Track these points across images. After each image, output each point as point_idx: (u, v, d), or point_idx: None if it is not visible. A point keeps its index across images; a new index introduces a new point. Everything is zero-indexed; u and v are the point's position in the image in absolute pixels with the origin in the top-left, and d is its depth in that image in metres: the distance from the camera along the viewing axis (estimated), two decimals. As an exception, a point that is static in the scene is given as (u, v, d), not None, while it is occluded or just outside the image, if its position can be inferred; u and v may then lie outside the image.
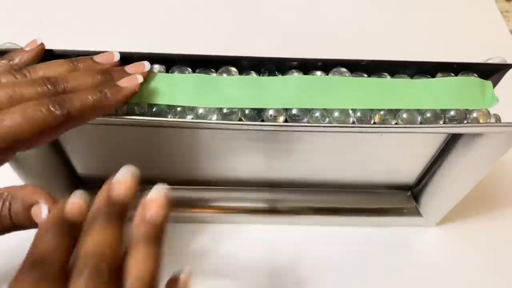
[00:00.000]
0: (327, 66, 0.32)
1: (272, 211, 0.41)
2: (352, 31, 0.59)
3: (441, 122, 0.30)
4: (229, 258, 0.40)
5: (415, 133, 0.30)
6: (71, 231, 0.21)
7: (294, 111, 0.30)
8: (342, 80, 0.30)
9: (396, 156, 0.37)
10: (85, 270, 0.19)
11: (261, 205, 0.42)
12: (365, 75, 0.32)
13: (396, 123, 0.30)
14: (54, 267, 0.20)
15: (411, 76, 0.32)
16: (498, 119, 0.31)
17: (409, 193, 0.43)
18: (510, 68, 0.32)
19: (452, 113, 0.30)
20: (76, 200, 0.22)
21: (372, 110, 0.30)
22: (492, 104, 0.30)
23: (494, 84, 0.33)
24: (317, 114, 0.30)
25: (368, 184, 0.42)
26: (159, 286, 0.21)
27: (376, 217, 0.42)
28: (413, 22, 0.61)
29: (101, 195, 0.22)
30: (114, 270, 0.20)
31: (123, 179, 0.22)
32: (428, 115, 0.30)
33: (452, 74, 0.31)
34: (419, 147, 0.36)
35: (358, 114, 0.30)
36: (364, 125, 0.29)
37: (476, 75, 0.31)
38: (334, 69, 0.31)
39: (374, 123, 0.30)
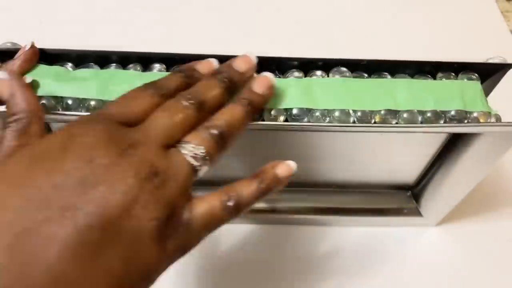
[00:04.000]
0: (327, 65, 0.32)
1: (272, 210, 0.41)
2: (352, 31, 0.59)
3: (442, 121, 0.30)
4: (229, 258, 0.40)
5: (416, 133, 0.30)
6: (194, 77, 0.27)
7: (294, 111, 0.30)
8: (342, 81, 0.30)
9: (396, 156, 0.37)
10: (187, 96, 0.24)
11: (260, 205, 0.42)
12: (365, 75, 0.32)
13: (396, 123, 0.30)
14: (167, 90, 0.25)
15: (412, 76, 0.32)
16: (498, 118, 0.31)
17: (409, 193, 0.42)
18: (510, 68, 0.32)
19: (452, 112, 0.30)
20: (210, 61, 0.28)
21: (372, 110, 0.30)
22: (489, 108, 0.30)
23: (495, 84, 0.33)
24: (318, 113, 0.30)
25: (368, 184, 0.42)
26: (232, 143, 0.25)
27: (376, 217, 0.42)
28: (413, 22, 0.61)
29: (225, 64, 0.27)
30: (209, 107, 0.25)
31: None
32: (429, 114, 0.30)
33: (453, 74, 0.31)
34: (419, 147, 0.36)
35: (359, 113, 0.30)
36: (364, 125, 0.29)
37: (476, 75, 0.31)
38: (335, 69, 0.31)
39: (375, 122, 0.30)
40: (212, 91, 0.25)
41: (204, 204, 0.23)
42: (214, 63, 0.28)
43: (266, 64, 0.31)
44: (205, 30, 0.58)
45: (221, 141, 0.24)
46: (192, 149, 0.23)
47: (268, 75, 0.28)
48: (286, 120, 0.30)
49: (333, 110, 0.30)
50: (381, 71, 0.32)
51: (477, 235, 0.42)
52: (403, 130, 0.29)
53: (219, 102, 0.26)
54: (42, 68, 0.30)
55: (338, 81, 0.30)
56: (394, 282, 0.39)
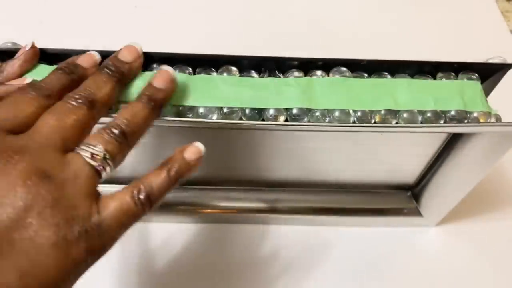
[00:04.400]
0: (327, 65, 0.32)
1: (272, 210, 0.41)
2: (353, 31, 0.59)
3: (442, 121, 0.30)
4: (229, 258, 0.40)
5: (416, 133, 0.30)
6: (76, 73, 0.26)
7: (294, 111, 0.30)
8: (342, 81, 0.30)
9: (396, 156, 0.37)
10: (75, 96, 0.24)
11: (261, 205, 0.42)
12: (366, 75, 0.32)
13: (396, 123, 0.30)
14: (50, 90, 0.24)
15: (412, 76, 0.32)
16: (498, 118, 0.31)
17: (409, 193, 0.42)
18: (510, 68, 0.32)
19: (452, 112, 0.30)
20: (91, 54, 0.27)
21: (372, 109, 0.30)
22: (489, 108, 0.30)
23: (495, 84, 0.33)
24: (318, 113, 0.30)
25: (368, 184, 0.42)
26: (136, 140, 0.25)
27: (376, 217, 0.42)
28: (413, 22, 0.61)
29: (110, 57, 0.27)
30: (102, 104, 0.25)
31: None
32: (429, 114, 0.30)
33: (453, 74, 0.31)
34: (419, 147, 0.36)
35: (359, 113, 0.30)
36: (364, 125, 0.29)
37: (476, 75, 0.31)
38: (335, 69, 0.31)
39: (375, 122, 0.30)
40: (102, 87, 0.25)
41: (115, 201, 0.23)
42: (96, 56, 0.28)
43: (266, 63, 0.32)
44: (206, 30, 0.58)
45: (123, 140, 0.24)
46: (90, 149, 0.22)
47: (167, 68, 0.27)
48: (286, 120, 0.30)
49: (333, 110, 0.30)
50: (381, 71, 0.32)
51: (477, 235, 0.42)
52: (403, 130, 0.29)
53: (111, 96, 0.25)
54: (43, 68, 0.30)
55: (338, 81, 0.30)
56: (394, 283, 0.39)
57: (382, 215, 0.42)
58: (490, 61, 0.32)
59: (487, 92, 0.33)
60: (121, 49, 0.27)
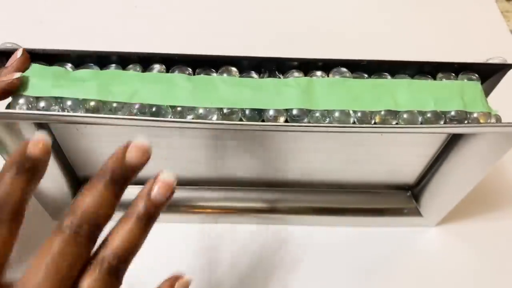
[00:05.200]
0: (327, 66, 0.32)
1: (272, 210, 0.41)
2: (352, 31, 0.59)
3: (442, 122, 0.30)
4: (229, 258, 0.40)
5: (416, 133, 0.30)
6: (32, 170, 0.21)
7: (294, 112, 0.30)
8: (342, 81, 0.30)
9: (396, 156, 0.37)
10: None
11: (261, 205, 0.42)
12: (366, 75, 0.32)
13: (396, 123, 0.30)
14: (10, 208, 0.20)
15: (412, 76, 0.32)
16: (498, 119, 0.31)
17: (409, 193, 0.42)
18: (510, 68, 0.32)
19: (452, 113, 0.30)
20: (39, 138, 0.21)
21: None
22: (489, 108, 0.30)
23: (495, 84, 0.33)
24: (318, 114, 0.30)
25: (368, 184, 0.42)
26: (129, 263, 0.22)
27: (376, 217, 0.42)
28: (413, 22, 0.61)
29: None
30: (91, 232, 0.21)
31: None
32: (429, 115, 0.30)
33: (453, 74, 0.31)
34: (419, 147, 0.36)
35: (359, 114, 0.30)
36: (364, 126, 0.29)
37: (476, 75, 0.31)
38: (335, 69, 0.31)
39: (375, 123, 0.30)
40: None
41: None
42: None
43: (266, 64, 0.32)
44: (205, 30, 0.58)
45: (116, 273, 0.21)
46: None
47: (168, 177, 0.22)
48: (286, 121, 0.30)
49: (333, 111, 0.30)
50: (381, 72, 0.32)
51: (477, 235, 0.42)
52: (403, 131, 0.29)
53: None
54: (42, 69, 0.30)
55: (338, 81, 0.30)
56: (394, 283, 0.39)
57: (382, 215, 0.42)
58: (490, 61, 0.32)
59: (487, 92, 0.33)
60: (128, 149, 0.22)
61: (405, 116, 0.30)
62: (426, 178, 0.39)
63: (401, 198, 0.42)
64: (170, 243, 0.40)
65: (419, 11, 0.63)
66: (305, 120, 0.30)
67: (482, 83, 0.32)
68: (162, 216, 0.39)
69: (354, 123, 0.30)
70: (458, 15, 0.62)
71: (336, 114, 0.30)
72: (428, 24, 0.61)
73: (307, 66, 0.32)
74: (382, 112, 0.30)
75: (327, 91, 0.30)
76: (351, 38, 0.58)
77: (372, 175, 0.40)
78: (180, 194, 0.41)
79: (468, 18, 0.61)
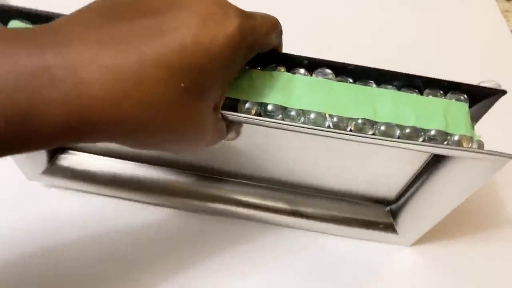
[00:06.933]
0: (312, 65, 0.30)
1: (238, 203, 0.40)
2: (352, 29, 0.58)
3: (420, 139, 0.29)
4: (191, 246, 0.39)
5: (392, 148, 0.29)
6: None
7: (269, 107, 0.29)
8: (323, 82, 0.29)
9: (376, 168, 0.36)
10: None
11: (228, 196, 0.41)
12: (350, 80, 0.31)
13: (373, 134, 0.29)
14: None
15: (399, 88, 0.31)
16: (481, 145, 0.29)
17: (388, 208, 0.41)
18: (503, 94, 0.30)
19: (433, 132, 0.29)
20: None
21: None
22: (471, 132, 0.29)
23: (485, 109, 0.31)
24: (293, 112, 0.29)
25: (347, 193, 0.41)
26: None
27: (350, 227, 0.40)
28: (413, 22, 0.60)
29: None
30: None
31: None
32: (408, 130, 0.29)
33: (441, 92, 0.30)
34: (399, 162, 0.34)
35: (335, 119, 0.29)
36: (336, 131, 0.28)
37: (465, 96, 0.30)
38: (319, 70, 0.30)
39: (350, 130, 0.29)
40: None
41: None
42: None
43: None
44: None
45: None
46: None
47: None
48: (259, 115, 0.29)
49: (309, 112, 0.29)
50: (368, 79, 0.31)
51: (452, 260, 0.41)
52: (376, 143, 0.28)
53: None
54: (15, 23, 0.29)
55: (319, 82, 0.29)
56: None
57: (357, 226, 0.40)
58: (483, 84, 0.30)
59: (476, 117, 0.32)
60: None
61: (382, 128, 0.29)
62: (406, 196, 0.38)
63: (377, 212, 0.41)
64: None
65: (419, 11, 0.61)
66: (279, 116, 0.29)
67: (471, 106, 0.30)
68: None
69: (329, 127, 0.29)
70: (458, 15, 0.61)
71: (312, 115, 0.29)
72: (428, 23, 0.60)
73: (291, 62, 0.31)
74: (359, 121, 0.29)
75: (306, 90, 0.29)
76: (349, 37, 0.56)
77: (351, 184, 0.39)
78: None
79: (468, 18, 0.60)
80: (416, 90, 0.30)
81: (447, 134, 0.29)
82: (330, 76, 0.30)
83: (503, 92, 0.30)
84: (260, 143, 0.35)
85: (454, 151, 0.28)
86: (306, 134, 0.29)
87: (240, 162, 0.38)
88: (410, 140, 0.29)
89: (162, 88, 0.22)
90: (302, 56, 0.30)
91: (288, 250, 0.40)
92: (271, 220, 0.41)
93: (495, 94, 0.30)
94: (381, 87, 0.30)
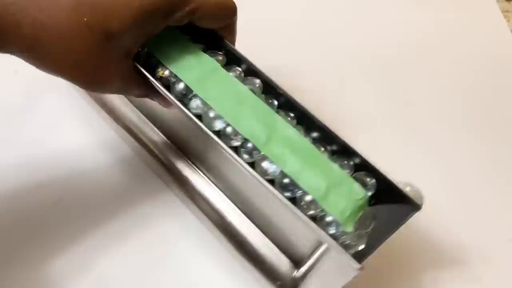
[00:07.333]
0: (250, 71, 0.29)
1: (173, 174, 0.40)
2: (350, 27, 0.56)
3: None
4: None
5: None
6: None
7: (181, 86, 0.28)
8: (236, 89, 0.27)
9: (290, 222, 0.33)
10: None
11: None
12: (276, 102, 0.28)
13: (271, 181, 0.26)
14: None
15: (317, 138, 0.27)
16: (348, 245, 0.24)
17: (296, 271, 0.37)
18: (416, 210, 0.24)
19: (308, 198, 0.25)
20: None
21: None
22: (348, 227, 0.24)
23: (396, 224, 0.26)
24: (198, 101, 0.28)
25: (267, 233, 0.37)
26: None
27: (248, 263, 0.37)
28: (412, 21, 0.58)
29: None
30: None
31: None
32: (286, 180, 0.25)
33: (345, 162, 0.26)
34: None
35: (229, 129, 0.27)
36: (214, 136, 0.26)
37: (374, 181, 0.25)
38: (250, 77, 0.28)
39: (236, 147, 0.27)
40: None
41: None
42: None
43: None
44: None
45: None
46: None
47: None
48: (168, 86, 0.29)
49: (210, 109, 0.27)
50: (292, 111, 0.28)
51: None
52: (243, 167, 0.26)
53: None
54: None
55: (233, 86, 0.27)
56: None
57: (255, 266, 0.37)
58: (403, 187, 0.25)
59: (390, 224, 0.26)
60: None
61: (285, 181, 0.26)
62: (307, 264, 0.34)
63: (283, 266, 0.37)
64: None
65: (419, 10, 0.59)
66: (190, 103, 0.28)
67: (377, 202, 0.25)
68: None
69: (218, 132, 0.27)
70: (458, 15, 0.59)
71: (211, 114, 0.27)
72: (428, 23, 0.58)
73: (236, 60, 0.29)
74: (249, 144, 0.26)
75: (221, 88, 0.27)
76: (348, 36, 0.54)
77: (269, 227, 0.36)
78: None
79: (468, 18, 0.59)
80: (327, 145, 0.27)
81: (319, 209, 0.25)
82: (257, 85, 0.28)
83: (417, 207, 0.24)
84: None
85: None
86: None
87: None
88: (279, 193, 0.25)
89: (64, 15, 0.24)
90: (245, 59, 0.29)
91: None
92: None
93: (408, 203, 0.24)
94: (296, 127, 0.27)
